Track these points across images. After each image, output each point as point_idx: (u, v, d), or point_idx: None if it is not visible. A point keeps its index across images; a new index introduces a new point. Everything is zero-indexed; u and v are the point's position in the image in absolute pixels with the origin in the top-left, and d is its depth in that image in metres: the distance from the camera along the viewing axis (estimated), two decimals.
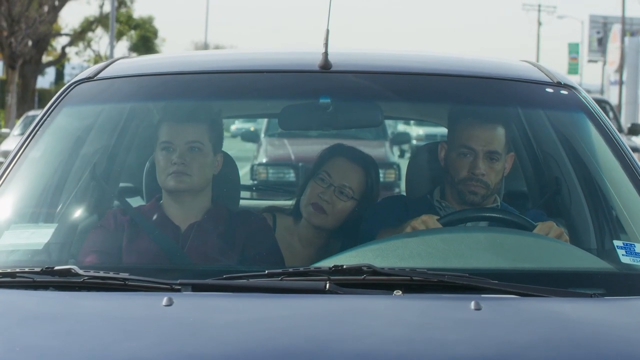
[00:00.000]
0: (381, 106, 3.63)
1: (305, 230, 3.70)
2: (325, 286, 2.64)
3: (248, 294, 2.67)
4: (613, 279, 2.92)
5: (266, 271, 2.73)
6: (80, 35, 51.74)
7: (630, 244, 3.03)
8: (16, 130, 23.37)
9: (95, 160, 3.58)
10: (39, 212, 3.26)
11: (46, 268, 2.77)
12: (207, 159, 3.37)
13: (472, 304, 2.55)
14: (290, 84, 3.47)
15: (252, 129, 21.93)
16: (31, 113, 24.65)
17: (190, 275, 2.90)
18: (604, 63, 59.43)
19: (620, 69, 48.31)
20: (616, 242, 3.08)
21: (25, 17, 37.80)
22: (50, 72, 62.16)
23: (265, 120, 14.50)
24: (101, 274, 2.73)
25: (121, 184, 3.86)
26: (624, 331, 2.52)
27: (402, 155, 20.41)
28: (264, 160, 13.65)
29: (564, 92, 3.44)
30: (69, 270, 2.73)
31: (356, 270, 2.69)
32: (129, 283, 2.70)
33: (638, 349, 2.41)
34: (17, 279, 2.77)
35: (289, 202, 4.08)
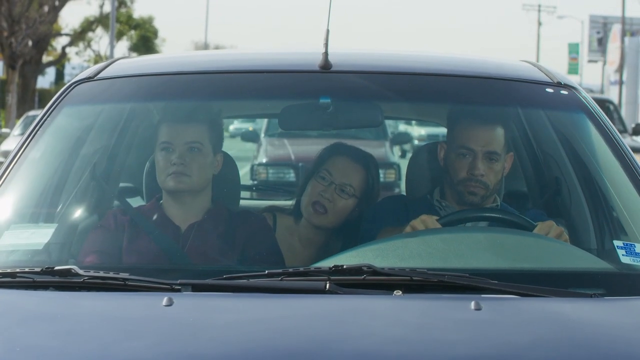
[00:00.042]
0: (381, 106, 3.63)
1: (306, 230, 3.70)
2: (326, 286, 2.64)
3: (248, 294, 2.67)
4: (613, 279, 2.92)
5: (266, 271, 2.73)
6: (80, 35, 51.77)
7: (630, 244, 3.03)
8: (16, 130, 23.37)
9: (96, 161, 3.58)
10: (39, 212, 3.26)
11: (46, 268, 2.77)
12: (206, 159, 3.37)
13: (472, 304, 2.55)
14: (290, 84, 3.47)
15: (250, 128, 21.92)
16: (31, 113, 24.66)
17: (191, 275, 2.90)
18: (604, 63, 59.43)
19: (620, 69, 48.31)
20: (616, 242, 3.08)
21: (25, 17, 37.82)
22: (51, 72, 62.18)
23: (265, 120, 14.49)
24: (101, 274, 2.73)
25: (121, 184, 3.86)
26: (624, 331, 2.52)
27: (403, 155, 20.40)
28: (264, 160, 13.65)
29: (564, 92, 3.44)
30: (69, 270, 2.73)
31: (356, 270, 2.69)
32: (129, 283, 2.70)
33: (638, 349, 2.41)
34: (17, 279, 2.77)
35: (289, 202, 4.08)
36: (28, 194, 3.28)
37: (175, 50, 36.23)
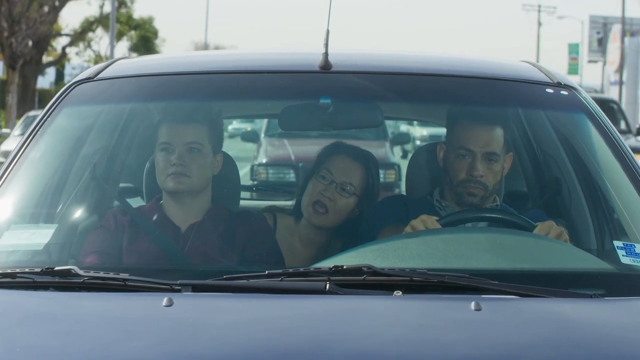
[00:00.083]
0: (381, 107, 3.63)
1: (306, 230, 3.70)
2: (326, 287, 2.64)
3: (248, 294, 2.67)
4: (613, 279, 2.92)
5: (266, 272, 2.73)
6: (80, 36, 51.78)
7: (631, 245, 3.03)
8: (17, 130, 23.38)
9: (96, 161, 3.58)
10: (39, 212, 3.26)
11: (46, 268, 2.77)
12: (206, 160, 3.37)
13: (472, 305, 2.55)
14: (290, 85, 3.47)
15: (248, 128, 21.89)
16: (32, 113, 24.67)
17: (191, 275, 2.90)
18: (604, 63, 59.42)
19: (620, 69, 48.30)
20: (616, 243, 3.08)
21: (25, 17, 37.83)
22: (51, 72, 62.20)
23: (265, 121, 14.49)
24: (101, 274, 2.73)
25: (121, 185, 3.86)
26: (624, 331, 2.52)
27: (404, 156, 20.40)
28: (264, 161, 13.65)
29: (564, 92, 3.44)
30: (69, 270, 2.73)
31: (356, 270, 2.69)
32: (129, 283, 2.70)
33: (638, 349, 2.41)
34: (17, 280, 2.77)
35: (290, 202, 4.08)
36: (28, 195, 3.28)
37: (175, 51, 36.24)
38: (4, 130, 30.58)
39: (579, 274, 2.94)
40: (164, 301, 2.55)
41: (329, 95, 3.42)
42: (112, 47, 35.51)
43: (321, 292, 2.64)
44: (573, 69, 64.69)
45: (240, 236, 3.33)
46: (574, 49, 67.38)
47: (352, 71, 3.42)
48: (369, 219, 3.55)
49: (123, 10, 55.41)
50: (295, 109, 3.61)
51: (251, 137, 16.19)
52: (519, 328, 2.49)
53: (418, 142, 23.44)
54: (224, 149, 3.49)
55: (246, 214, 3.52)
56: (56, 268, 2.76)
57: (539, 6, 72.76)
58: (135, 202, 3.61)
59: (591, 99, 3.45)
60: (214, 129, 3.41)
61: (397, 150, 18.10)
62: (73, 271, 2.73)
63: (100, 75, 3.47)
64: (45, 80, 63.66)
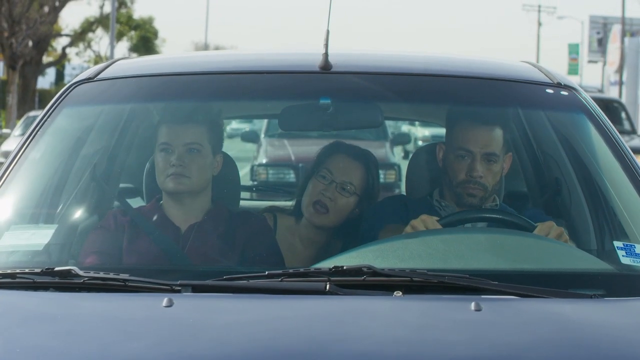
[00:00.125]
0: (381, 107, 3.63)
1: (307, 230, 3.70)
2: (326, 287, 2.64)
3: (248, 294, 2.67)
4: (613, 279, 2.92)
5: (266, 272, 2.73)
6: (80, 36, 51.80)
7: (631, 245, 3.03)
8: (17, 130, 23.39)
9: (96, 161, 3.58)
10: (39, 212, 3.26)
11: (46, 269, 2.77)
12: (206, 160, 3.37)
13: (472, 305, 2.54)
14: (290, 85, 3.47)
15: (247, 129, 21.85)
16: (32, 114, 24.68)
17: (191, 276, 2.90)
18: (604, 63, 59.41)
19: (620, 70, 48.29)
20: (616, 243, 3.08)
21: (25, 17, 37.85)
22: (51, 72, 62.22)
23: (265, 121, 14.48)
24: (101, 274, 2.73)
25: (121, 185, 3.86)
26: (624, 332, 2.52)
27: (406, 156, 20.40)
28: (264, 161, 13.64)
29: (564, 92, 3.44)
30: (69, 271, 2.73)
31: (356, 271, 2.69)
32: (129, 284, 2.70)
33: (638, 349, 2.41)
34: (17, 280, 2.77)
35: (290, 203, 4.08)
36: (28, 195, 3.28)
37: (175, 51, 36.24)
38: (5, 130, 30.60)
39: (579, 274, 2.94)
40: (164, 301, 2.55)
41: (329, 96, 3.42)
42: (112, 47, 35.53)
43: (321, 292, 2.64)
44: (573, 69, 64.69)
45: (240, 236, 3.33)
46: (574, 49, 67.39)
47: (352, 71, 3.42)
48: (369, 219, 3.56)
49: (123, 10, 55.42)
50: (295, 110, 3.61)
51: (251, 137, 16.18)
52: (519, 328, 2.49)
53: (420, 143, 23.42)
54: (223, 149, 3.49)
55: (246, 214, 3.52)
56: (56, 268, 2.76)
57: (539, 6, 72.79)
58: (135, 203, 3.61)
59: (591, 99, 3.45)
60: (213, 129, 3.41)
61: (399, 150, 18.12)
62: (73, 271, 2.73)
63: (100, 76, 3.47)
64: (45, 81, 63.69)
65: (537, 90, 3.47)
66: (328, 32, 3.36)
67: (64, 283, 2.73)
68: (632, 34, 51.38)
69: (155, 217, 3.38)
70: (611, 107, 20.68)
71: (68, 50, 51.68)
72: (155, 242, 3.27)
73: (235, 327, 2.46)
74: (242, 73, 3.48)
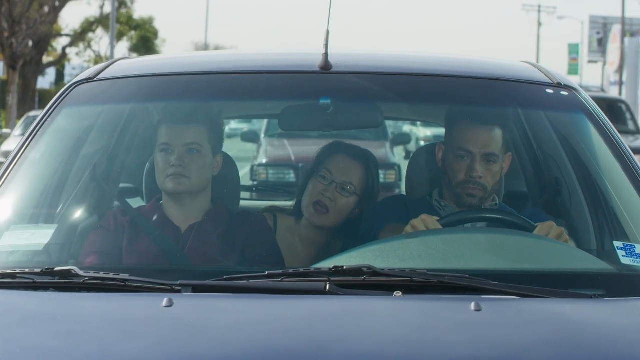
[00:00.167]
0: (381, 107, 3.63)
1: (307, 230, 3.70)
2: (326, 287, 2.64)
3: (248, 294, 2.67)
4: (613, 280, 2.92)
5: (266, 272, 2.73)
6: (80, 36, 51.81)
7: (631, 245, 3.03)
8: (17, 130, 23.40)
9: (96, 161, 3.58)
10: (39, 212, 3.26)
11: (46, 269, 2.77)
12: (205, 161, 3.37)
13: (472, 305, 2.54)
14: (290, 85, 3.47)
15: (245, 129, 21.83)
16: (32, 114, 24.69)
17: (191, 276, 2.90)
18: (604, 64, 59.42)
19: (620, 70, 48.29)
20: (616, 243, 3.08)
21: (26, 17, 37.87)
22: (51, 72, 62.24)
23: (265, 121, 14.48)
24: (101, 274, 2.73)
25: (121, 185, 3.86)
26: (624, 332, 2.52)
27: (408, 156, 20.35)
28: (264, 161, 13.64)
29: (564, 93, 3.44)
30: (69, 271, 2.73)
31: (356, 271, 2.69)
32: (129, 284, 2.70)
33: (638, 350, 2.41)
34: (17, 280, 2.77)
35: (290, 203, 4.08)
36: (28, 195, 3.28)
37: (176, 51, 36.24)
38: (5, 130, 30.61)
39: (579, 274, 2.94)
40: (164, 302, 2.55)
41: (329, 96, 3.42)
42: (112, 47, 35.52)
43: (321, 292, 2.64)
44: (573, 70, 64.69)
45: (240, 236, 3.33)
46: (574, 49, 67.40)
47: (352, 72, 3.42)
48: (369, 219, 3.56)
49: (123, 10, 55.42)
50: (296, 110, 3.61)
51: (251, 137, 16.18)
52: (519, 328, 2.49)
53: (422, 143, 23.38)
54: (223, 149, 3.49)
55: (246, 214, 3.52)
56: (56, 268, 2.76)
57: (539, 6, 72.79)
58: (135, 203, 3.61)
59: (591, 100, 3.45)
60: (213, 129, 3.41)
61: (400, 150, 18.10)
62: (73, 271, 2.73)
63: (101, 76, 3.47)
64: (45, 81, 63.70)
65: (537, 91, 3.47)
66: (328, 32, 3.36)
67: (64, 283, 2.73)
68: (632, 34, 51.37)
69: (155, 217, 3.38)
70: (616, 107, 20.55)
71: (68, 50, 51.73)
72: (155, 242, 3.27)
73: (235, 327, 2.46)
74: (242, 73, 3.48)
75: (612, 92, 48.67)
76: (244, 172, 13.93)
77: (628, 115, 20.93)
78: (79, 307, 2.65)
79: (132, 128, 3.76)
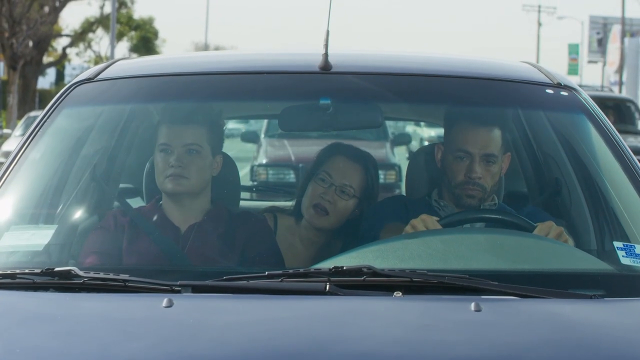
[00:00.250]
0: (381, 107, 3.63)
1: (307, 230, 3.70)
2: (325, 287, 2.64)
3: (248, 295, 2.67)
4: (613, 280, 2.92)
5: (266, 272, 2.73)
6: (80, 36, 51.82)
7: (631, 245, 3.03)
8: (18, 131, 23.42)
9: (96, 161, 3.58)
10: (39, 213, 3.26)
11: (46, 269, 2.77)
12: (205, 161, 3.36)
13: (472, 305, 2.55)
14: (290, 85, 3.47)
15: (243, 129, 21.80)
16: (33, 114, 24.70)
17: (191, 276, 2.90)
18: (604, 64, 59.45)
19: (620, 70, 48.32)
20: (616, 244, 3.08)
21: (26, 18, 37.88)
22: (51, 72, 62.24)
23: (265, 121, 14.48)
24: (101, 275, 2.73)
25: (121, 185, 3.86)
26: (624, 332, 2.52)
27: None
28: (264, 161, 13.63)
29: (564, 93, 3.44)
30: (69, 271, 2.73)
31: (356, 271, 2.69)
32: (129, 284, 2.70)
33: (638, 350, 2.41)
34: (17, 280, 2.77)
35: (290, 203, 4.08)
36: (28, 195, 3.28)
37: (176, 51, 36.24)
38: (5, 130, 30.61)
39: (579, 274, 2.94)
40: (164, 302, 2.55)
41: (329, 96, 3.42)
42: (113, 47, 35.52)
43: (321, 293, 2.64)
44: (573, 70, 64.72)
45: (240, 237, 3.33)
46: (574, 50, 67.42)
47: (352, 72, 3.42)
48: (369, 219, 3.56)
49: (123, 10, 55.42)
50: (295, 110, 3.61)
51: (251, 137, 16.17)
52: (519, 329, 2.49)
53: (426, 143, 23.35)
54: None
55: (246, 214, 3.52)
56: (56, 269, 2.76)
57: (539, 6, 72.80)
58: (135, 203, 3.62)
59: (591, 100, 3.45)
60: (213, 130, 3.40)
61: (403, 151, 18.08)
62: (73, 272, 2.73)
63: (101, 76, 3.47)
64: (45, 81, 63.70)
65: (537, 91, 3.47)
66: (328, 32, 3.36)
67: (64, 283, 2.73)
68: (632, 34, 51.39)
69: (155, 218, 3.38)
70: (624, 107, 20.41)
71: (68, 50, 51.73)
72: (155, 243, 3.27)
73: (235, 328, 2.46)
74: (242, 73, 3.48)
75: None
76: (243, 172, 13.93)
77: (637, 115, 20.75)
78: (79, 307, 2.65)
79: (132, 128, 3.76)
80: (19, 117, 36.92)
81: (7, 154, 19.81)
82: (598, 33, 62.46)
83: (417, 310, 2.59)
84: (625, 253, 3.00)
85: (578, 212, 3.52)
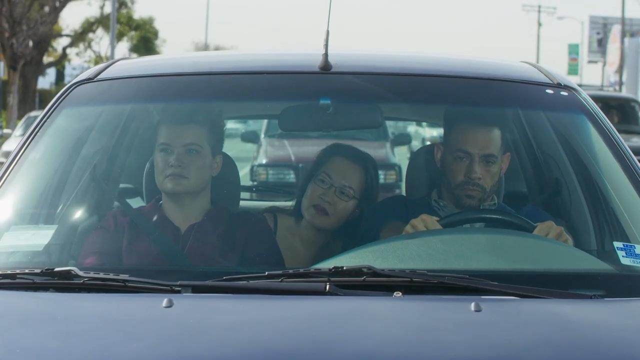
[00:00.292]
0: (381, 107, 3.63)
1: (307, 230, 3.70)
2: (325, 287, 2.64)
3: (248, 295, 2.67)
4: (613, 280, 2.92)
5: (266, 272, 2.73)
6: (80, 36, 51.83)
7: (631, 245, 3.03)
8: (18, 131, 23.44)
9: (96, 162, 3.58)
10: (39, 213, 3.26)
11: (46, 269, 2.77)
12: (205, 161, 3.36)
13: (472, 306, 2.54)
14: (290, 85, 3.47)
15: (242, 130, 21.79)
16: (33, 114, 24.72)
17: (190, 276, 2.90)
18: (604, 64, 59.45)
19: (620, 70, 48.32)
20: (616, 244, 3.08)
21: (26, 18, 37.89)
22: (51, 72, 62.25)
23: (264, 121, 14.48)
24: (101, 275, 2.73)
25: (121, 185, 3.86)
26: (624, 332, 2.52)
27: None
28: (264, 161, 13.63)
29: (564, 93, 3.44)
30: (69, 271, 2.73)
31: (356, 271, 2.69)
32: (129, 284, 2.70)
33: (638, 350, 2.41)
34: (17, 281, 2.77)
35: (290, 203, 4.08)
36: (28, 195, 3.28)
37: (176, 51, 36.25)
38: (5, 130, 30.62)
39: (579, 274, 2.94)
40: (164, 302, 2.55)
41: (329, 96, 3.42)
42: (113, 47, 35.52)
43: (321, 293, 2.64)
44: (573, 70, 64.71)
45: (240, 237, 3.33)
46: (574, 50, 67.42)
47: (352, 72, 3.42)
48: (369, 219, 3.56)
49: (123, 10, 55.43)
50: (295, 110, 3.61)
51: (251, 137, 16.16)
52: (518, 329, 2.49)
53: (429, 143, 23.23)
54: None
55: (246, 214, 3.52)
56: (56, 269, 2.76)
57: (539, 7, 72.79)
58: (135, 203, 3.62)
59: (591, 100, 3.45)
60: (213, 130, 3.40)
61: (405, 151, 18.06)
62: (73, 272, 2.73)
63: (101, 76, 3.47)
64: (45, 81, 63.71)
65: (537, 91, 3.47)
66: (328, 32, 3.36)
67: (64, 283, 2.73)
68: (632, 34, 51.38)
69: (155, 218, 3.38)
70: (628, 107, 20.28)
71: (68, 50, 51.74)
72: (155, 243, 3.27)
73: (235, 328, 2.46)
74: (242, 73, 3.48)
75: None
76: (243, 172, 13.93)
77: None
78: (79, 307, 2.65)
79: (132, 128, 3.76)
80: (19, 117, 36.92)
81: (7, 154, 19.82)
82: (598, 33, 62.47)
83: (417, 311, 2.59)
84: (625, 253, 3.00)
85: (578, 212, 3.52)
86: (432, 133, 27.76)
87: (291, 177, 13.11)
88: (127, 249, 3.26)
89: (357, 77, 3.41)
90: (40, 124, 3.33)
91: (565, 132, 3.57)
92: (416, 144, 21.33)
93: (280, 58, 3.72)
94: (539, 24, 72.50)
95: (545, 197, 3.79)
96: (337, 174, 3.66)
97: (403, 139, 17.77)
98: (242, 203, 4.28)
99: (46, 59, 48.93)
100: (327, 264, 2.82)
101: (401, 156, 15.26)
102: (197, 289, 2.70)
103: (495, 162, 3.44)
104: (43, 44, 43.80)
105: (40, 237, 3.10)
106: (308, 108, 3.55)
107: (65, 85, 3.58)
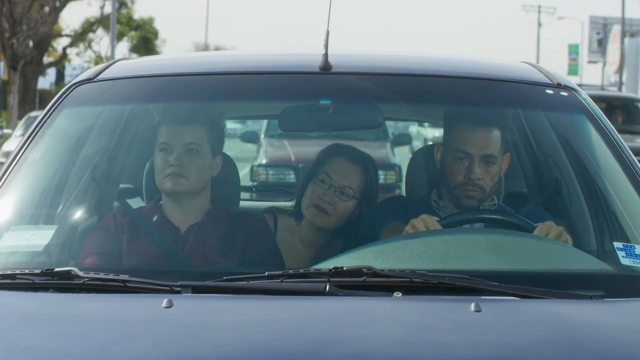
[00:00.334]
0: (381, 108, 3.63)
1: (307, 230, 3.70)
2: (325, 288, 2.64)
3: (248, 295, 2.67)
4: (613, 280, 2.92)
5: (266, 273, 2.73)
6: (81, 36, 51.83)
7: (631, 246, 3.03)
8: (18, 131, 23.44)
9: (96, 162, 3.58)
10: (39, 213, 3.26)
11: (46, 270, 2.77)
12: (204, 161, 3.36)
13: (472, 306, 2.55)
14: (290, 86, 3.47)
15: (242, 130, 21.77)
16: (33, 114, 24.72)
17: (190, 277, 2.91)
18: (604, 64, 59.44)
19: (620, 70, 48.30)
20: (616, 244, 3.08)
21: (26, 18, 37.88)
22: (51, 72, 62.24)
23: (264, 122, 14.47)
24: (101, 275, 2.73)
25: (121, 185, 3.86)
26: (624, 333, 2.52)
27: None
28: (264, 162, 13.63)
29: (563, 93, 3.44)
30: (69, 272, 2.73)
31: (356, 272, 2.69)
32: (129, 285, 2.70)
33: (638, 350, 2.41)
34: (17, 281, 2.77)
35: (290, 203, 4.08)
36: (28, 196, 3.28)
37: (176, 51, 36.26)
38: (6, 130, 30.61)
39: (579, 275, 2.94)
40: (164, 302, 2.55)
41: (329, 96, 3.42)
42: (113, 47, 35.53)
43: (321, 293, 2.64)
44: (573, 70, 64.71)
45: (240, 237, 3.33)
46: (573, 50, 67.42)
47: (352, 72, 3.42)
48: (369, 219, 3.56)
49: (123, 11, 55.43)
50: (295, 110, 3.61)
51: (251, 137, 16.16)
52: (519, 329, 2.50)
53: (431, 144, 23.18)
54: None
55: (246, 215, 3.52)
56: (56, 269, 2.76)
57: (539, 7, 72.80)
58: (135, 203, 3.62)
59: (591, 100, 3.45)
60: (213, 130, 3.40)
61: (406, 151, 18.06)
62: (73, 272, 2.73)
63: (101, 76, 3.48)
64: (45, 81, 63.70)
65: (537, 91, 3.47)
66: (328, 32, 3.36)
67: (64, 284, 2.73)
68: (632, 35, 51.38)
69: (155, 218, 3.38)
70: (632, 107, 20.18)
71: (68, 50, 51.73)
72: (155, 243, 3.27)
73: (235, 328, 2.46)
74: (242, 74, 3.48)
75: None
76: (243, 172, 13.93)
77: None
78: (79, 308, 2.65)
79: (132, 128, 3.76)
80: (20, 117, 36.92)
81: (7, 154, 19.82)
82: (598, 33, 62.47)
83: (417, 311, 2.59)
84: (625, 253, 3.00)
85: (578, 212, 3.52)
86: (434, 133, 27.76)
87: (291, 177, 13.10)
88: (127, 249, 3.26)
89: (357, 78, 3.41)
90: (41, 124, 3.33)
91: (565, 133, 3.57)
92: (418, 144, 21.30)
93: (280, 58, 3.72)
94: (539, 24, 72.52)
95: (545, 198, 3.79)
96: (337, 174, 3.66)
97: (403, 139, 17.76)
98: (242, 203, 4.28)
99: (46, 59, 48.93)
100: (327, 264, 2.82)
101: (403, 156, 15.25)
102: (197, 290, 2.70)
103: (495, 163, 3.44)
104: (43, 44, 43.80)
105: (40, 237, 3.10)
106: (308, 108, 3.55)
107: (66, 85, 3.58)
